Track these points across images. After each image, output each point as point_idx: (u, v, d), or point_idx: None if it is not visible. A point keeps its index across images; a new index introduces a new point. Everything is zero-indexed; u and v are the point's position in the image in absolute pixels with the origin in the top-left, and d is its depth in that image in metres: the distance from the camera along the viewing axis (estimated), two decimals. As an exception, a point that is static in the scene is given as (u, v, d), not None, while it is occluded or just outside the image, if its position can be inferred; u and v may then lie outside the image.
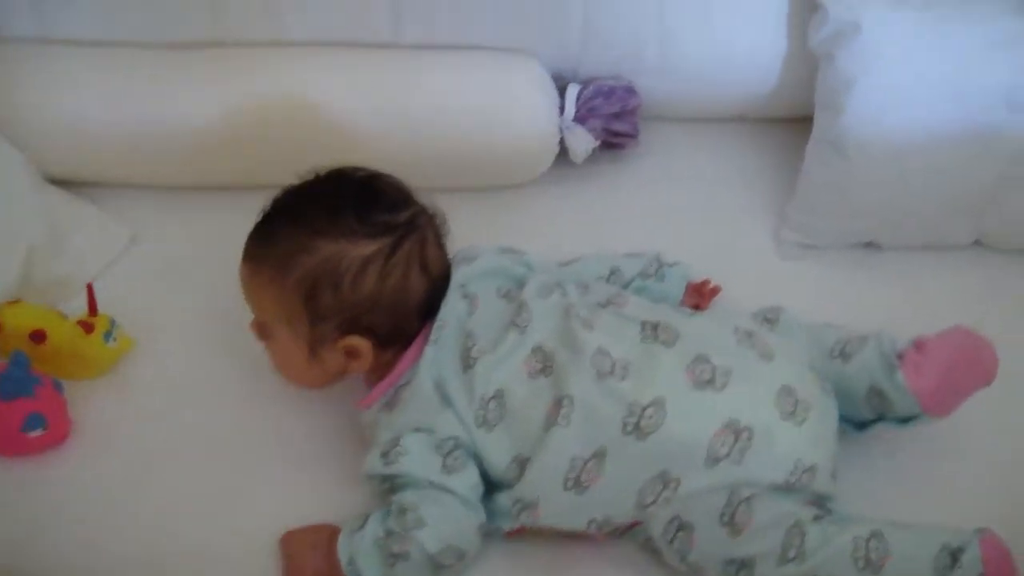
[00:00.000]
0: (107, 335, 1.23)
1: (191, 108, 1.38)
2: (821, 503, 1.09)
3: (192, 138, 1.38)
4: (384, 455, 1.09)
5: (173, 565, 1.12)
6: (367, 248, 1.09)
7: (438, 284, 1.14)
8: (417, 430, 1.10)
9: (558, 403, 1.07)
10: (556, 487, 1.07)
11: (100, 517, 1.16)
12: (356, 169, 1.15)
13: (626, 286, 1.26)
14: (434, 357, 1.11)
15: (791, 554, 1.05)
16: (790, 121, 1.50)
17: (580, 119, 1.43)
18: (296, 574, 1.10)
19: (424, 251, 1.13)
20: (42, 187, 1.37)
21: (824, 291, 1.35)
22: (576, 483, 1.07)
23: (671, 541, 1.08)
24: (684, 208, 1.44)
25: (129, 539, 1.14)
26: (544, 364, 1.10)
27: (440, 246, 1.15)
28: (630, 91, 1.45)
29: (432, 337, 1.12)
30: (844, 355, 1.15)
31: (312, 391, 1.20)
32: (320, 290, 1.09)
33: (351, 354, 1.12)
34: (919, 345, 1.14)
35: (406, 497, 1.08)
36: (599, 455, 1.06)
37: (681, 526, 1.07)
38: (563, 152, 1.44)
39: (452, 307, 1.13)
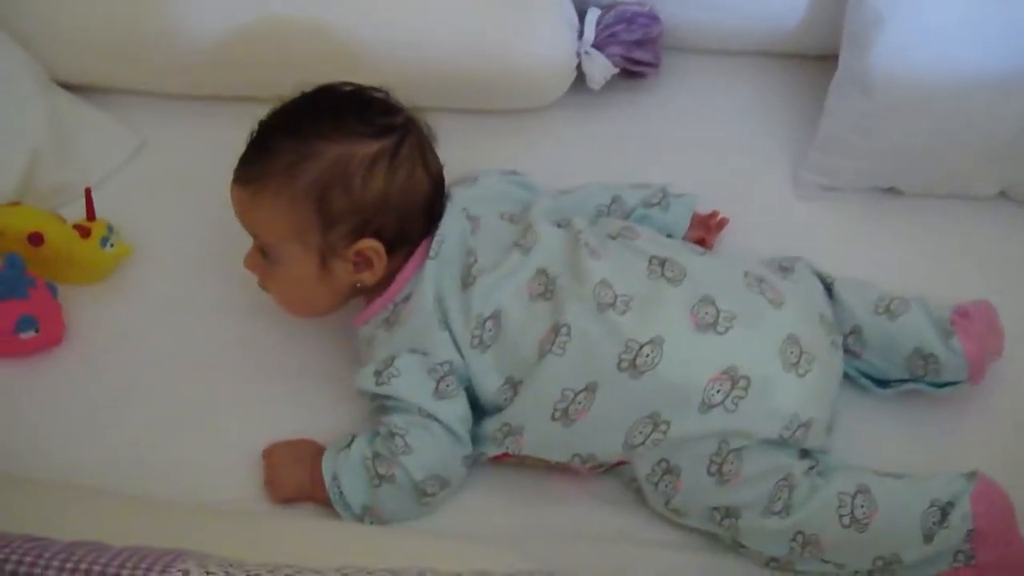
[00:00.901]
0: (104, 240, 1.23)
1: (203, 16, 1.35)
2: (812, 455, 1.07)
3: (203, 47, 1.35)
4: (377, 373, 1.08)
5: (157, 474, 1.13)
6: (372, 147, 1.08)
7: (438, 186, 1.12)
8: (413, 351, 1.08)
9: (555, 330, 1.05)
10: (543, 416, 1.06)
11: (87, 422, 1.17)
12: (341, 83, 1.13)
13: (628, 215, 1.23)
14: (435, 271, 1.10)
15: (777, 507, 1.03)
16: (813, 59, 1.44)
17: (599, 45, 1.38)
18: (277, 486, 1.11)
19: (424, 150, 1.11)
20: (49, 90, 1.35)
21: (841, 234, 1.31)
22: (564, 415, 1.05)
23: (656, 484, 1.06)
24: (701, 142, 1.39)
25: (114, 446, 1.15)
26: (545, 288, 1.08)
27: (433, 149, 1.13)
28: (653, 18, 1.39)
29: (432, 252, 1.10)
30: (890, 312, 1.13)
31: (308, 317, 1.19)
32: (332, 192, 1.07)
33: (362, 262, 1.10)
34: (963, 312, 1.12)
35: (395, 421, 1.07)
36: (590, 389, 1.04)
37: (668, 469, 1.05)
38: (580, 78, 1.39)
39: (453, 224, 1.12)
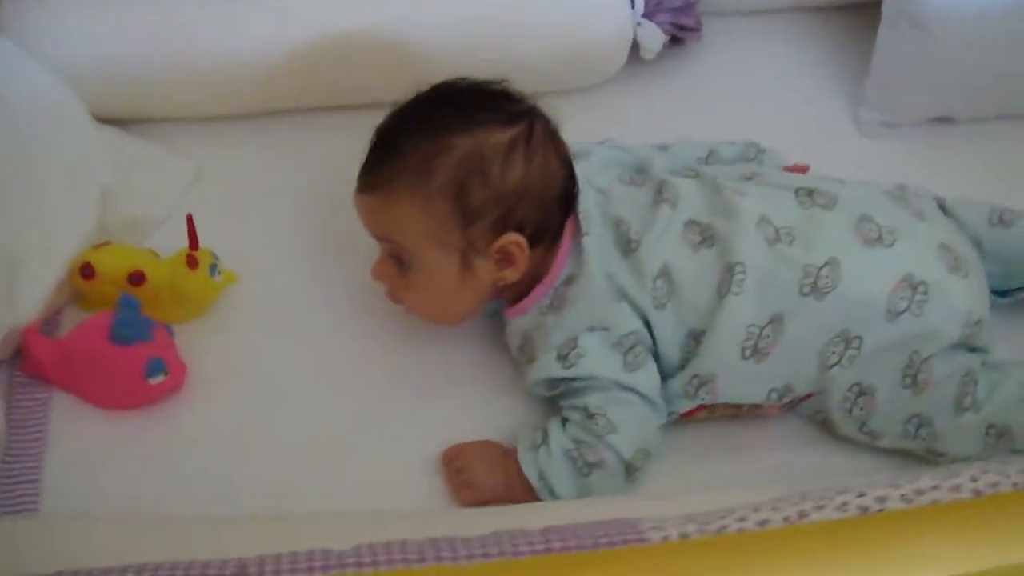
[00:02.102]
0: (212, 268, 1.15)
1: (247, 32, 1.29)
2: (980, 351, 1.10)
3: (254, 63, 1.30)
4: (562, 358, 1.05)
5: (329, 496, 1.06)
6: (505, 134, 1.05)
7: (570, 173, 1.10)
8: (592, 329, 1.06)
9: (729, 270, 1.05)
10: (734, 357, 1.05)
11: (229, 459, 1.08)
12: (456, 79, 1.10)
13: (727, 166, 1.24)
14: (594, 246, 1.07)
15: (966, 403, 1.06)
16: (840, 9, 1.50)
17: (648, 14, 1.39)
18: (471, 490, 1.06)
19: (553, 136, 1.09)
20: (97, 125, 1.26)
21: (909, 166, 1.35)
22: (754, 351, 1.05)
23: (850, 410, 1.07)
24: (757, 98, 1.42)
25: (273, 476, 1.07)
26: (703, 236, 1.07)
27: (560, 135, 1.10)
28: (693, -17, 1.42)
29: (583, 228, 1.08)
30: (1004, 223, 1.17)
31: (449, 325, 1.15)
32: (470, 185, 1.03)
33: (505, 259, 1.07)
34: None
35: (591, 401, 1.04)
36: (776, 321, 1.05)
37: (862, 391, 1.06)
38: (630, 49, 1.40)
39: (590, 199, 1.10)
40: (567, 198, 1.09)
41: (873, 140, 1.40)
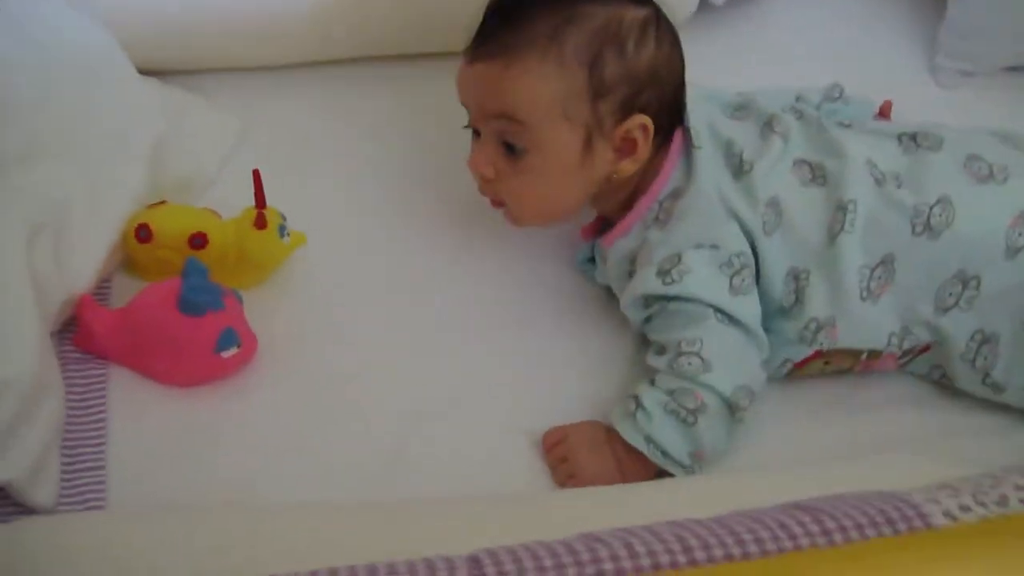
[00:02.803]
0: (281, 229, 1.04)
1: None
2: None
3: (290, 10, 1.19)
4: (663, 272, 0.98)
5: (422, 475, 0.97)
6: (640, 12, 1.00)
7: (684, 75, 1.04)
8: (699, 246, 0.98)
9: (840, 208, 0.99)
10: (852, 298, 0.99)
11: (310, 439, 0.99)
12: None
13: (815, 111, 1.17)
14: (706, 162, 1.01)
15: None
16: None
17: (717, -43, 1.32)
18: (580, 474, 0.97)
19: (674, 31, 1.03)
20: (141, 77, 1.14)
21: (988, 117, 1.28)
22: (868, 292, 0.99)
23: (972, 360, 1.01)
24: (828, 46, 1.35)
25: (360, 453, 0.98)
26: (813, 174, 1.02)
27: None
28: (762, -73, 1.34)
29: (695, 141, 1.01)
30: None
31: (549, 226, 1.09)
32: (605, 55, 0.97)
33: (625, 147, 1.00)
34: None
35: (684, 335, 0.96)
36: (887, 261, 0.99)
37: (985, 339, 1.00)
38: (699, -4, 1.32)
39: (700, 114, 1.03)
40: (681, 100, 1.03)
41: (950, 89, 1.34)
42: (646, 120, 0.99)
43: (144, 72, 1.16)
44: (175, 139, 1.11)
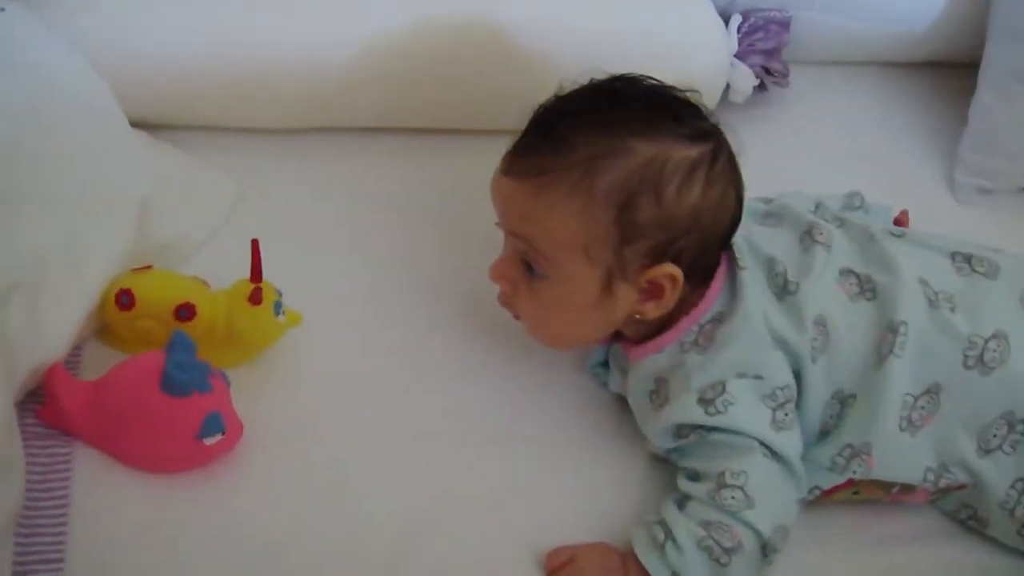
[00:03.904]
0: (277, 306, 0.96)
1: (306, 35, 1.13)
2: None
3: (330, 72, 1.14)
4: (705, 402, 0.90)
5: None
6: (691, 152, 0.91)
7: (740, 216, 0.96)
8: (742, 375, 0.91)
9: (891, 329, 0.92)
10: (891, 427, 0.92)
11: (292, 541, 0.89)
12: (640, 75, 0.95)
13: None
14: (752, 285, 0.94)
15: None
16: (932, 65, 1.41)
17: (740, 54, 1.28)
18: None
19: (735, 167, 0.95)
20: (133, 131, 1.06)
21: (1004, 238, 1.26)
22: (909, 423, 0.93)
23: (1013, 509, 0.94)
24: (844, 152, 1.31)
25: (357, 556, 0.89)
26: (861, 287, 0.95)
27: (739, 168, 0.96)
28: (784, 26, 1.30)
29: (740, 262, 0.94)
30: None
31: (562, 350, 1.01)
32: (640, 199, 0.89)
33: (651, 292, 0.92)
34: None
35: (729, 466, 0.89)
36: (932, 391, 0.93)
37: None
38: (717, 92, 1.28)
39: (740, 231, 0.96)
40: (728, 239, 0.96)
41: (966, 205, 1.30)
42: (675, 271, 0.91)
43: (136, 125, 1.09)
44: (165, 199, 1.03)
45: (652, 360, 0.95)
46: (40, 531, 0.85)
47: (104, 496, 0.89)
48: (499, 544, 0.92)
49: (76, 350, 0.97)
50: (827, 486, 0.95)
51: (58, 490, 0.88)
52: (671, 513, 0.90)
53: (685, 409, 0.91)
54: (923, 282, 0.96)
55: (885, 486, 0.95)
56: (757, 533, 0.88)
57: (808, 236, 0.98)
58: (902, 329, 0.93)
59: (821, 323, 0.93)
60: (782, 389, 0.92)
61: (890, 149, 1.34)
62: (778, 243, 0.98)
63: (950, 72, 1.39)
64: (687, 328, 0.94)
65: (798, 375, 0.93)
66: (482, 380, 1.03)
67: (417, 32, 1.14)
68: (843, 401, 0.94)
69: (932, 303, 0.95)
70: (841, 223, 1.02)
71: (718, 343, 0.93)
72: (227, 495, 0.91)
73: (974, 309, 0.95)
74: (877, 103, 1.38)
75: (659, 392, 0.95)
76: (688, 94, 0.95)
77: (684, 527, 0.88)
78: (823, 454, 0.94)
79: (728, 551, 0.87)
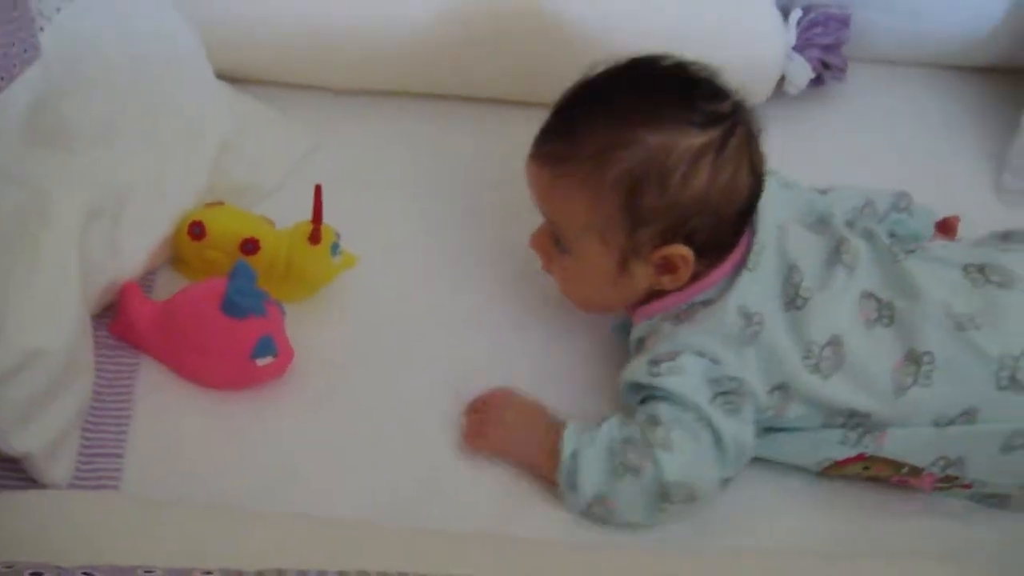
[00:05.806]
0: (334, 247, 1.04)
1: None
2: None
3: (402, 37, 1.21)
4: (653, 363, 0.96)
5: (447, 507, 0.95)
6: (697, 139, 0.95)
7: (759, 187, 1.00)
8: (700, 354, 0.96)
9: (914, 360, 0.95)
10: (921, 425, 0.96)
11: (330, 461, 0.98)
12: (661, 56, 1.00)
13: (882, 219, 1.15)
14: (749, 284, 0.98)
15: None
16: (987, 70, 1.43)
17: (798, 47, 1.32)
18: (495, 441, 0.99)
19: (751, 147, 0.98)
20: (217, 80, 1.15)
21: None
22: (937, 427, 0.96)
23: None
24: (895, 150, 1.34)
25: (388, 480, 0.97)
26: (880, 313, 0.98)
27: (759, 145, 1.00)
28: (843, 22, 1.34)
29: (751, 263, 0.98)
30: None
31: (591, 313, 1.06)
32: (645, 189, 0.94)
33: (666, 268, 0.98)
34: None
35: (663, 409, 0.95)
36: (969, 413, 0.95)
37: None
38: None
39: (770, 231, 1.00)
40: (748, 215, 1.00)
41: (1013, 209, 1.32)
42: (685, 251, 0.96)
43: (221, 77, 1.17)
44: (243, 144, 1.12)
45: (642, 325, 1.01)
46: (104, 428, 0.95)
47: (163, 404, 0.98)
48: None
49: (150, 276, 1.06)
50: (839, 457, 0.98)
51: (123, 394, 0.97)
52: (609, 419, 0.97)
53: (635, 369, 0.98)
54: (946, 305, 0.97)
55: (895, 465, 0.99)
56: (660, 472, 0.93)
57: (836, 253, 1.00)
58: (926, 359, 0.95)
59: (836, 344, 0.96)
60: (732, 380, 0.95)
61: (939, 150, 1.36)
62: (808, 252, 1.00)
63: (1004, 77, 1.41)
64: (676, 303, 0.99)
65: (786, 385, 0.96)
66: (526, 326, 1.09)
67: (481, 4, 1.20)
68: (863, 424, 0.96)
69: (959, 327, 0.96)
70: (870, 236, 1.03)
71: (692, 320, 0.98)
72: (274, 414, 0.99)
73: (998, 325, 0.97)
74: (930, 104, 1.40)
75: (636, 353, 1.01)
76: (710, 71, 0.99)
77: (610, 429, 0.96)
78: (835, 433, 0.97)
79: (628, 469, 0.94)
